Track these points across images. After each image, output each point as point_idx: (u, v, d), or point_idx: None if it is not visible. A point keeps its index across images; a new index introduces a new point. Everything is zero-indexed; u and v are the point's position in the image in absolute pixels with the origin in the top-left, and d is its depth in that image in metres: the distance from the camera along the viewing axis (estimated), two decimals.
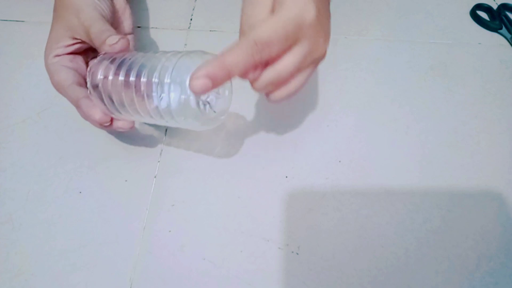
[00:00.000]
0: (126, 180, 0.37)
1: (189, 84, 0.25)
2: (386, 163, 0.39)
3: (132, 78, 0.30)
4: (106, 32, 0.32)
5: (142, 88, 0.29)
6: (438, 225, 0.35)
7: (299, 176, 0.38)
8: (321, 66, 0.46)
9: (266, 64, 0.27)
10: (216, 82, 0.25)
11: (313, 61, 0.28)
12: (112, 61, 0.32)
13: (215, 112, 0.31)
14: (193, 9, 0.51)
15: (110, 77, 0.31)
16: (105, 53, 0.32)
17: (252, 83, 0.28)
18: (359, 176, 0.38)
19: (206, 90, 0.25)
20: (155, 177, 0.37)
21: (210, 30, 0.48)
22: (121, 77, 0.30)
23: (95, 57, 0.36)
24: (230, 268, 0.33)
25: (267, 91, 0.29)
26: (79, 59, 0.36)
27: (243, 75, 0.26)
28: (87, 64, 0.37)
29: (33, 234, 0.34)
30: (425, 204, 0.37)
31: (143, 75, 0.29)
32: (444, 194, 0.37)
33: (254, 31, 0.25)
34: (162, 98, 0.29)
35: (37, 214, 0.35)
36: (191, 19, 0.50)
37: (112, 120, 0.33)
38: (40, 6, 0.49)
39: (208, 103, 0.31)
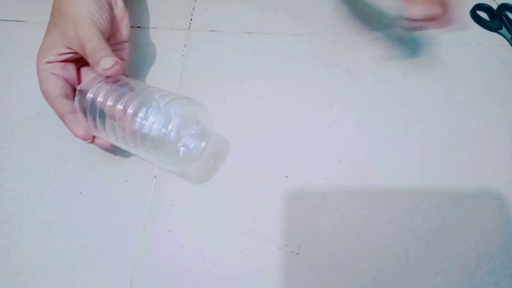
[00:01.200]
0: (126, 180, 0.37)
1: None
2: (386, 163, 0.39)
3: (120, 106, 0.31)
4: (101, 51, 0.32)
5: (129, 112, 0.30)
6: (438, 225, 0.35)
7: (299, 176, 0.38)
8: (321, 66, 0.46)
9: None
10: None
11: None
12: (104, 83, 0.32)
13: (190, 155, 0.33)
14: (193, 9, 0.51)
15: (99, 99, 0.31)
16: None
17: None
18: (359, 176, 0.38)
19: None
20: (155, 177, 0.37)
21: (210, 30, 0.48)
22: (109, 102, 0.31)
23: (86, 64, 0.36)
24: (230, 268, 0.33)
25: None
26: (71, 67, 0.35)
27: None
28: (78, 71, 0.36)
29: (33, 234, 0.34)
30: (425, 204, 0.37)
31: (131, 104, 0.31)
32: (444, 194, 0.37)
33: None
34: (144, 125, 0.30)
35: (37, 214, 0.35)
36: (191, 19, 0.50)
37: (94, 136, 0.34)
38: (40, 6, 0.49)
39: (186, 146, 0.32)
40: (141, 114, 0.30)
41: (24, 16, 0.49)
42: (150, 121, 0.30)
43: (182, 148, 0.32)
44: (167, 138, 0.30)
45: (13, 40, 0.46)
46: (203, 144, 0.34)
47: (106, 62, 0.32)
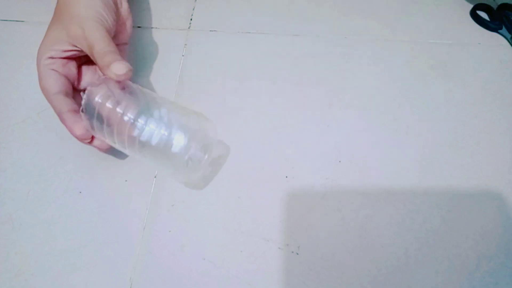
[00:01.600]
0: (126, 180, 0.37)
1: None
2: (386, 163, 0.39)
3: (130, 115, 0.31)
4: (110, 54, 0.31)
5: (138, 122, 0.31)
6: (438, 225, 0.35)
7: (299, 176, 0.38)
8: (321, 66, 0.46)
9: None
10: None
11: None
12: (113, 88, 0.32)
13: (193, 167, 0.34)
14: (193, 9, 0.51)
15: (108, 105, 0.31)
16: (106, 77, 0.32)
17: None
18: (359, 176, 0.38)
19: None
20: (155, 177, 0.37)
21: (210, 30, 0.48)
22: (119, 109, 0.31)
23: (86, 63, 0.36)
24: (230, 268, 0.33)
25: None
26: (72, 65, 0.35)
27: None
28: (79, 68, 0.36)
29: (33, 234, 0.34)
30: (425, 204, 0.37)
31: (141, 115, 0.31)
32: (444, 194, 0.37)
33: None
34: (153, 137, 0.31)
35: (37, 214, 0.35)
36: (191, 19, 0.50)
37: (92, 137, 0.33)
38: (40, 6, 0.49)
39: (191, 159, 0.33)
40: (152, 126, 0.31)
41: (24, 16, 0.49)
42: (160, 134, 0.30)
43: (187, 161, 0.32)
44: (175, 151, 0.31)
45: (13, 40, 0.47)
46: (206, 156, 0.34)
47: (119, 67, 0.31)
